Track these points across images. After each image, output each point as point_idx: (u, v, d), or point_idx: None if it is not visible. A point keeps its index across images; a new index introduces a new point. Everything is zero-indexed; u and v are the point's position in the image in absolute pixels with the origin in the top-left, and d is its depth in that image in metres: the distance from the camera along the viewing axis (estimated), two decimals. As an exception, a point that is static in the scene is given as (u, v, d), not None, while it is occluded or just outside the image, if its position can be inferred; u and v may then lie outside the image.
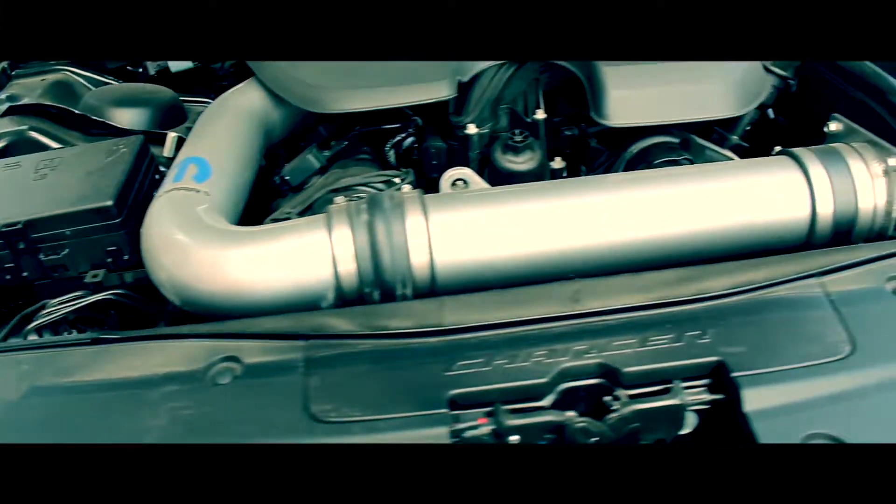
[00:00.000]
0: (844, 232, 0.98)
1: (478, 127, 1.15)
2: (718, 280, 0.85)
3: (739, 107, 1.10)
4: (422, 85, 1.07)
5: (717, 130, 1.24)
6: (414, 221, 0.90)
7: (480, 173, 1.15)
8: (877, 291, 0.83)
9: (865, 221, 0.98)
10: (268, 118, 1.16)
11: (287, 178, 1.18)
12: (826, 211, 0.97)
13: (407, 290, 0.91)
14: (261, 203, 1.18)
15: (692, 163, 1.10)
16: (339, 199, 0.97)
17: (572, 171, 1.20)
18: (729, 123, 1.24)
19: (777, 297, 0.83)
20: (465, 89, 1.16)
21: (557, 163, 1.19)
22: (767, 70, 1.22)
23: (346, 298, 0.91)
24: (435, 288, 0.92)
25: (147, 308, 1.03)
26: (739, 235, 0.96)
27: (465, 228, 0.92)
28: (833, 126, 1.06)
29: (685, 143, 1.12)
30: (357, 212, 0.91)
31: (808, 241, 0.98)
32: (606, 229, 0.94)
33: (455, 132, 1.16)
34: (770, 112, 1.27)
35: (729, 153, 1.19)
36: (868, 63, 1.09)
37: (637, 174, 1.00)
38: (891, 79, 1.04)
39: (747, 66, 1.12)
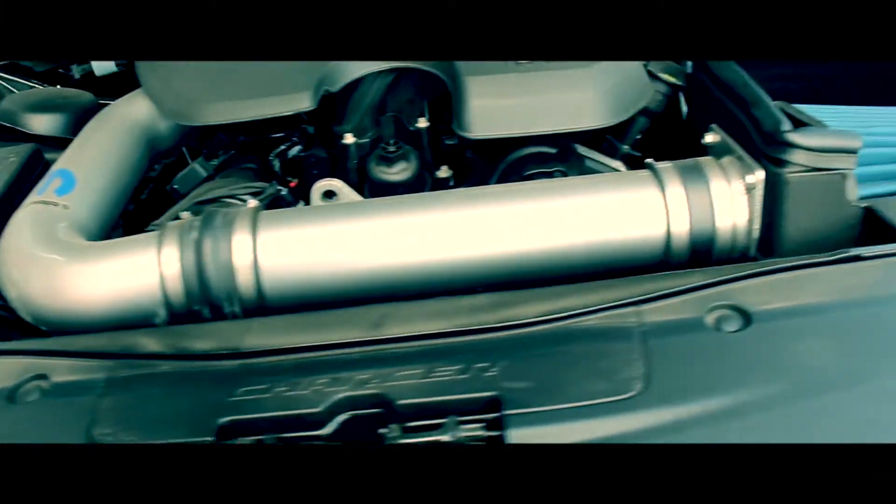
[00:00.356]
0: (703, 251, 0.93)
1: (357, 136, 1.13)
2: (531, 307, 0.81)
3: (610, 116, 1.04)
4: (282, 96, 1.06)
5: (607, 139, 1.18)
6: (241, 239, 0.90)
7: (361, 183, 1.14)
8: (694, 323, 0.78)
9: (725, 240, 0.93)
10: (153, 128, 1.17)
11: (176, 186, 1.19)
12: (681, 229, 0.92)
13: (235, 308, 0.91)
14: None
15: (565, 174, 1.06)
16: (185, 215, 0.97)
17: (459, 180, 1.17)
18: (619, 132, 1.18)
19: (586, 327, 0.79)
20: (345, 97, 1.14)
21: (443, 172, 1.16)
22: (654, 77, 1.16)
23: (178, 315, 0.92)
24: (265, 305, 0.91)
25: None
26: (592, 253, 0.93)
27: (293, 246, 0.91)
28: (709, 138, 1.00)
29: (562, 154, 1.07)
30: (188, 229, 0.91)
31: (665, 259, 0.94)
32: (441, 247, 0.91)
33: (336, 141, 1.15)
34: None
35: (617, 163, 1.13)
36: (739, 71, 1.02)
37: (482, 189, 0.97)
38: (757, 90, 0.97)
39: (621, 75, 1.07)
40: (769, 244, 0.93)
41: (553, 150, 1.08)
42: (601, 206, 0.93)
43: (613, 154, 1.17)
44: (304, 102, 1.05)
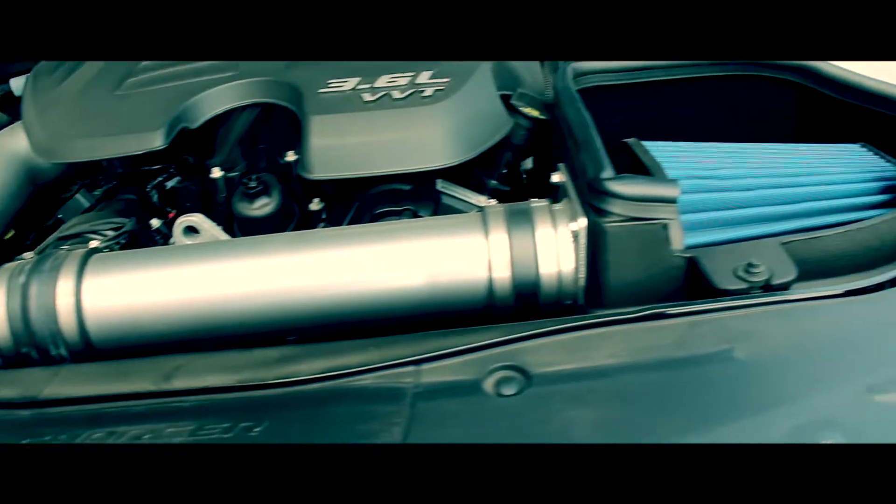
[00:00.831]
0: (529, 298, 0.91)
1: (227, 169, 1.13)
2: (314, 363, 0.81)
3: (457, 154, 1.02)
4: (134, 135, 1.07)
5: (475, 174, 1.16)
6: (65, 283, 0.92)
7: (231, 217, 1.15)
8: (470, 384, 0.76)
9: (550, 288, 0.90)
10: (32, 160, 1.20)
11: (60, 216, 1.21)
12: (503, 275, 0.90)
13: (61, 351, 0.92)
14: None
15: (415, 213, 1.04)
16: (27, 255, 0.99)
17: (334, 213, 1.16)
18: (487, 166, 1.15)
19: (359, 386, 0.78)
20: (213, 131, 1.15)
21: (315, 204, 1.15)
22: (514, 110, 1.12)
23: (8, 358, 0.94)
24: (95, 348, 0.93)
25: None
26: (417, 298, 0.91)
27: (117, 290, 0.92)
28: (555, 178, 0.97)
29: (416, 192, 1.06)
30: (18, 273, 0.93)
31: (490, 306, 0.92)
32: (260, 293, 0.91)
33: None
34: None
35: (481, 199, 1.11)
36: (581, 110, 0.98)
37: (308, 233, 0.95)
38: (589, 131, 0.93)
39: (472, 111, 1.04)
40: (596, 294, 0.90)
41: (407, 187, 1.07)
42: (425, 250, 0.91)
43: (482, 189, 1.14)
44: (155, 141, 1.06)
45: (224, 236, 1.07)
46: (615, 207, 0.86)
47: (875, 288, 0.82)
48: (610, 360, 0.78)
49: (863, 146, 1.06)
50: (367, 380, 0.78)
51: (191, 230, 1.09)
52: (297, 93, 1.07)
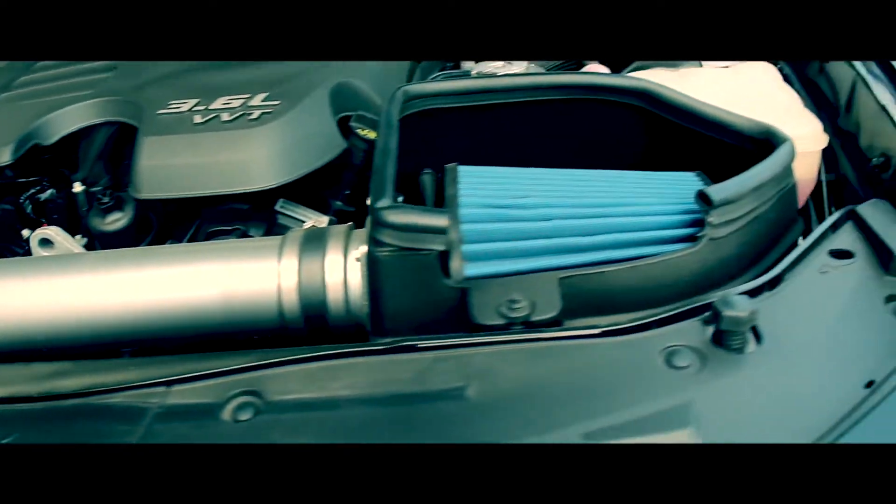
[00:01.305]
0: (318, 322, 0.93)
1: (88, 184, 1.17)
2: (82, 378, 0.84)
3: (278, 176, 1.04)
4: None
5: (322, 195, 1.17)
6: None
7: (92, 231, 1.19)
8: (210, 409, 0.78)
9: (338, 313, 0.92)
10: None
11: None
12: (291, 298, 0.92)
13: None
14: None
15: (245, 233, 1.07)
16: None
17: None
18: (331, 187, 1.16)
19: (111, 404, 0.80)
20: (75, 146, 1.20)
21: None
22: (351, 132, 1.13)
23: None
24: None
25: None
26: (211, 318, 0.94)
27: None
28: (369, 201, 0.98)
29: (248, 212, 1.08)
30: None
31: (283, 327, 0.94)
32: (72, 307, 0.95)
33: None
34: None
35: (323, 219, 1.12)
36: (388, 137, 0.98)
37: (122, 252, 0.99)
38: (383, 158, 0.94)
39: (299, 133, 1.06)
40: (378, 321, 0.91)
41: (245, 207, 1.09)
42: (222, 273, 0.94)
43: (327, 210, 1.16)
44: (2, 157, 1.11)
45: (78, 249, 1.12)
46: (387, 237, 0.86)
47: (636, 328, 0.81)
48: (346, 391, 0.79)
49: (697, 175, 1.03)
50: (118, 398, 0.81)
51: (46, 242, 1.14)
52: (141, 112, 1.10)
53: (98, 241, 1.15)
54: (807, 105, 1.12)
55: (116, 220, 1.14)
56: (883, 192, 0.95)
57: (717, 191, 0.88)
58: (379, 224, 0.86)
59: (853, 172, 1.05)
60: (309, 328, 0.93)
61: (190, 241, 1.11)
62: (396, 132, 0.98)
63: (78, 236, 1.14)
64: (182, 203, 1.10)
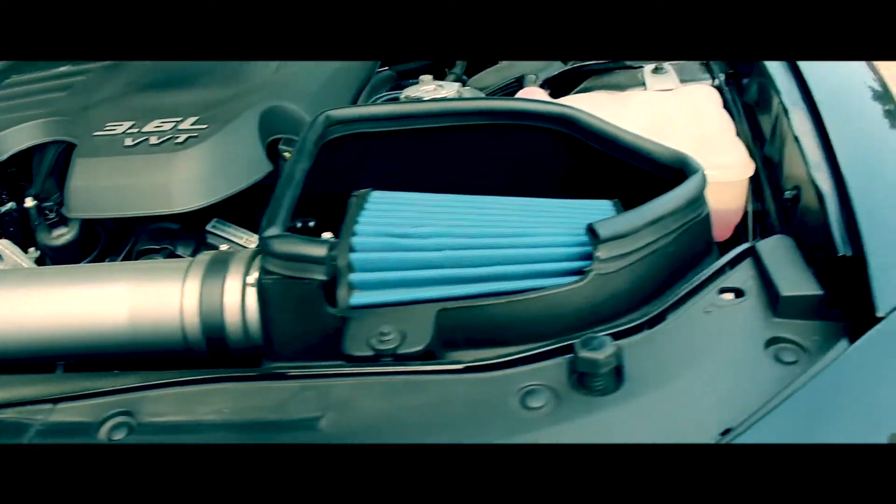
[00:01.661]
0: (217, 342, 0.95)
1: (38, 199, 1.23)
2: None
3: (199, 199, 1.07)
4: None
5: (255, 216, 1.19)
6: None
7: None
8: (86, 428, 0.82)
9: (237, 336, 0.94)
10: None
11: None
12: (192, 321, 0.95)
13: None
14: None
15: (172, 253, 1.11)
16: None
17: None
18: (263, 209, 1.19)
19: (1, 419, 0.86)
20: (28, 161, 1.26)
21: (125, 234, 1.24)
22: (280, 155, 1.15)
23: None
24: None
25: None
26: (119, 338, 0.98)
27: None
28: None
29: (178, 232, 1.12)
30: None
31: (188, 349, 0.97)
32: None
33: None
34: None
35: (253, 237, 1.15)
36: (296, 163, 0.99)
37: (46, 269, 1.04)
38: (283, 185, 0.95)
39: (219, 159, 1.08)
40: (269, 346, 0.93)
41: (175, 227, 1.13)
42: (129, 294, 0.97)
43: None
44: None
45: (27, 262, 1.18)
46: (273, 265, 0.88)
47: (498, 366, 0.80)
48: (211, 416, 0.81)
49: (613, 204, 1.01)
50: (7, 413, 0.86)
51: (-2, 256, 1.21)
52: (81, 133, 1.16)
53: (48, 256, 1.22)
54: (742, 132, 1.08)
55: (62, 235, 1.20)
56: (791, 228, 0.92)
57: (606, 225, 0.87)
58: (266, 253, 0.89)
59: (773, 204, 1.00)
60: (211, 350, 0.96)
61: (125, 258, 1.16)
62: (307, 159, 1.00)
63: (31, 249, 1.21)
64: (119, 221, 1.15)
